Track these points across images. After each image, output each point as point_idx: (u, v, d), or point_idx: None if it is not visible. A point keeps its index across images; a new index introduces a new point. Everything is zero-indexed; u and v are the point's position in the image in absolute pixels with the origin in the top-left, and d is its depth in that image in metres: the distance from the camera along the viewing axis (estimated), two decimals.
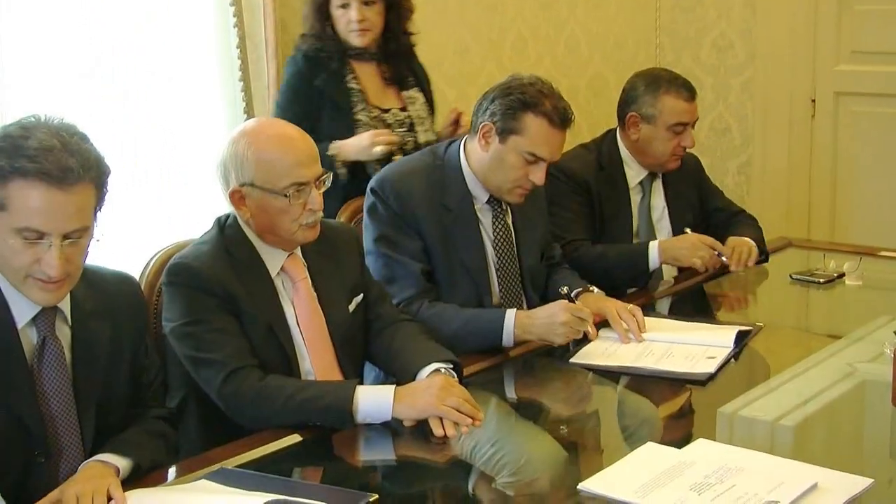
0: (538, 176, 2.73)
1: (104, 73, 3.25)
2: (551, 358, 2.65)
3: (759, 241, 3.46)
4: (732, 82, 5.38)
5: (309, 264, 2.44)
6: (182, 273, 2.29)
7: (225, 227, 2.38)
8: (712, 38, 5.40)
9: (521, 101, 2.70)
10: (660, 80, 3.36)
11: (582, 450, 2.22)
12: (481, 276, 2.82)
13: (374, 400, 2.20)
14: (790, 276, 3.34)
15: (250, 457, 2.08)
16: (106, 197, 1.98)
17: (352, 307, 2.50)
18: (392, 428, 2.20)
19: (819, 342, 2.88)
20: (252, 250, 2.36)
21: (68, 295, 2.01)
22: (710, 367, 2.49)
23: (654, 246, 3.28)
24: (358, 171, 3.27)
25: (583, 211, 3.34)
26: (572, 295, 2.74)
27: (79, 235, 1.92)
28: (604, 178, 3.39)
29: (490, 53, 4.66)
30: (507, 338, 2.65)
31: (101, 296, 2.08)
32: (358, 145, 3.23)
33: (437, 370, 2.35)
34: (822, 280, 3.30)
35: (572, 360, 2.60)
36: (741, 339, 2.68)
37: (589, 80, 5.24)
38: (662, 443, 2.08)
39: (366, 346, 2.55)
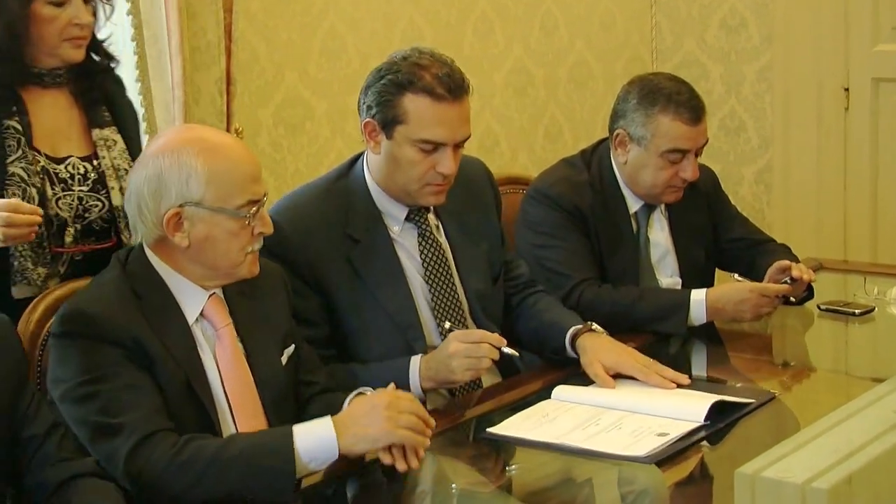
0: (446, 165, 2.75)
1: None
2: (464, 431, 2.66)
3: None
4: (746, 70, 5.47)
5: (231, 308, 2.47)
6: (80, 321, 2.29)
7: (127, 264, 2.40)
8: (720, 16, 5.49)
9: (394, 82, 2.74)
10: (657, 94, 3.30)
11: None
12: (407, 318, 2.84)
13: (315, 437, 2.24)
14: (818, 308, 3.39)
15: None
16: None
17: (284, 360, 2.54)
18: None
19: (858, 386, 2.95)
20: (164, 291, 2.39)
21: None
22: (644, 450, 2.41)
23: (698, 300, 3.22)
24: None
25: (583, 243, 3.35)
26: (569, 332, 2.87)
27: None
28: (600, 204, 3.39)
29: (448, 40, 4.71)
30: (415, 389, 2.70)
31: None
32: None
33: (360, 393, 2.46)
34: (857, 311, 3.36)
35: (491, 430, 2.58)
36: (731, 410, 2.61)
37: (570, 69, 5.32)
38: None
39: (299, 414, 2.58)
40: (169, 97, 3.61)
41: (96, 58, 2.96)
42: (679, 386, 2.73)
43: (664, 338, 3.21)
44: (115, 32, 3.07)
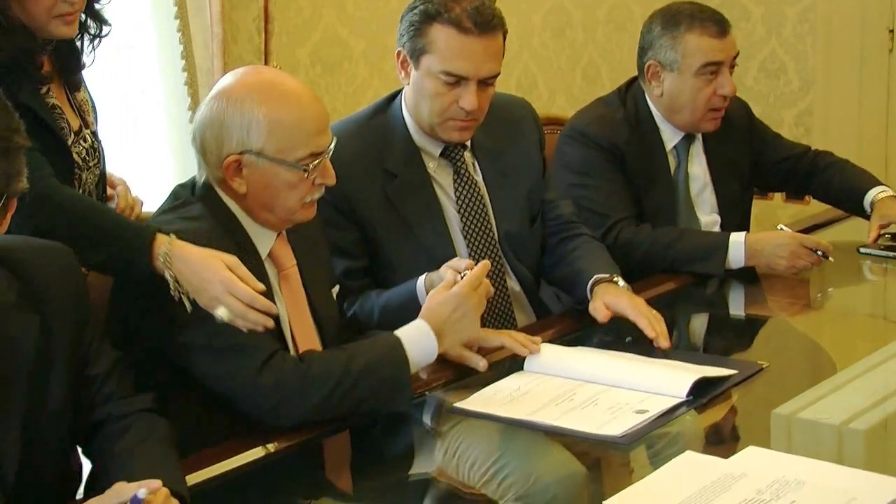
0: (469, 100, 2.75)
1: None
2: (433, 403, 2.53)
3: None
4: (788, 11, 5.41)
5: (294, 250, 2.51)
6: None
7: (203, 199, 2.39)
8: None
9: (424, 12, 2.76)
10: (679, 16, 3.35)
11: (605, 464, 2.27)
12: (443, 252, 2.83)
13: (420, 346, 2.39)
14: (858, 250, 3.40)
15: (204, 475, 2.13)
16: None
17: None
18: (376, 439, 2.30)
19: None
20: (241, 228, 2.40)
21: None
22: (620, 429, 2.26)
23: (737, 242, 3.22)
24: None
25: (621, 182, 3.36)
26: (591, 282, 2.81)
27: None
28: (636, 141, 3.40)
29: None
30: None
31: (22, 280, 2.02)
32: (203, 277, 2.21)
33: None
34: None
35: (458, 404, 2.44)
36: (715, 383, 2.48)
37: (609, 10, 5.28)
38: (704, 452, 2.14)
39: None
40: (207, 35, 3.62)
41: (91, 23, 2.63)
42: (663, 355, 2.62)
43: (702, 279, 3.21)
44: None
